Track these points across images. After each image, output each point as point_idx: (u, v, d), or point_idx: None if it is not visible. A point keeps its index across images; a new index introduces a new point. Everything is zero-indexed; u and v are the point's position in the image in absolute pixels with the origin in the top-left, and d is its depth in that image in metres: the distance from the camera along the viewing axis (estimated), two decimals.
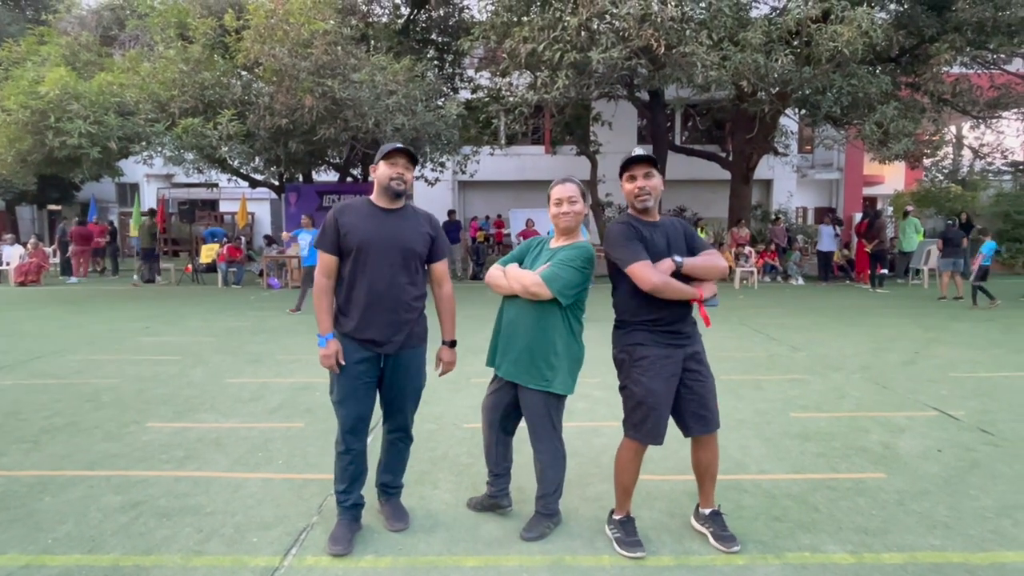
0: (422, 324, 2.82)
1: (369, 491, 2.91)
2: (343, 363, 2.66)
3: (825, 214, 15.45)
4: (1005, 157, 17.32)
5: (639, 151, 2.63)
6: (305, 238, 9.81)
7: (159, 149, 11.99)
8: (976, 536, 2.80)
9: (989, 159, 16.99)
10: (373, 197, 2.76)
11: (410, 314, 2.73)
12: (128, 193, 23.89)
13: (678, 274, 2.53)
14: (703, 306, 2.61)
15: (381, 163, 2.70)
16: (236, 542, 2.74)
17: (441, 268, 2.87)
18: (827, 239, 14.62)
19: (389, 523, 2.85)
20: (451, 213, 16.34)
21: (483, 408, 2.95)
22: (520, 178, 21.79)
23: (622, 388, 2.66)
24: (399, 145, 2.70)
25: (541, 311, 2.67)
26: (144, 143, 11.44)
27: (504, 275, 2.78)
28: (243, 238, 18.61)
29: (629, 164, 2.62)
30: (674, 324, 2.58)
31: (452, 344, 2.91)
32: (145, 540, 2.75)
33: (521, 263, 2.84)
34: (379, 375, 2.74)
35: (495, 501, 2.98)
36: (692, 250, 2.64)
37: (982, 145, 16.70)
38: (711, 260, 2.60)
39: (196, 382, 5.50)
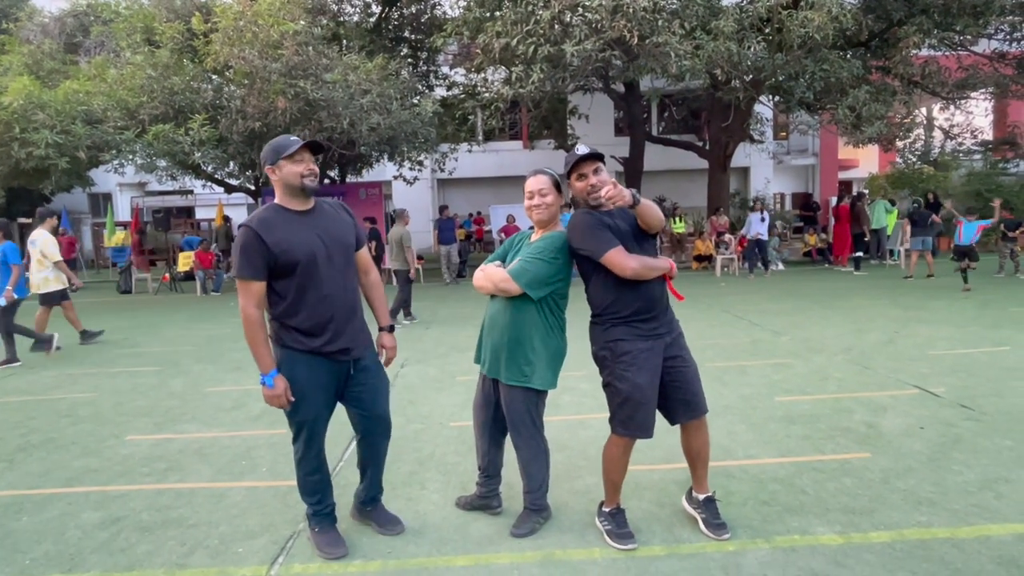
0: (366, 322, 2.72)
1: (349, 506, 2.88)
2: (293, 399, 2.48)
3: (755, 200, 14.78)
4: (975, 137, 17.65)
5: (583, 149, 2.56)
6: None
7: (130, 157, 11.76)
8: (961, 511, 2.83)
9: (959, 139, 17.30)
10: (282, 201, 2.51)
11: (361, 312, 2.65)
12: (101, 203, 23.47)
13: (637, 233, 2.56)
14: (671, 281, 2.65)
15: (283, 162, 2.43)
16: (221, 553, 2.69)
17: (365, 255, 2.74)
18: (756, 225, 13.27)
19: (385, 529, 2.78)
20: (443, 209, 14.60)
21: (473, 408, 2.92)
22: (499, 174, 21.76)
23: (606, 385, 2.63)
24: (298, 140, 2.46)
25: (517, 307, 2.65)
26: (114, 151, 11.21)
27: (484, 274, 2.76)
28: (215, 245, 18.35)
29: (576, 164, 2.57)
30: (651, 312, 2.56)
31: (391, 329, 2.81)
32: (127, 556, 2.69)
33: (504, 260, 2.82)
34: (343, 384, 2.61)
35: (485, 502, 2.96)
36: None
37: (952, 126, 17.00)
38: (656, 206, 2.56)
39: (176, 392, 5.40)
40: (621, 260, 2.47)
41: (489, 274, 2.69)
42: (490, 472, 2.93)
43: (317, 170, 2.54)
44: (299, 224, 2.48)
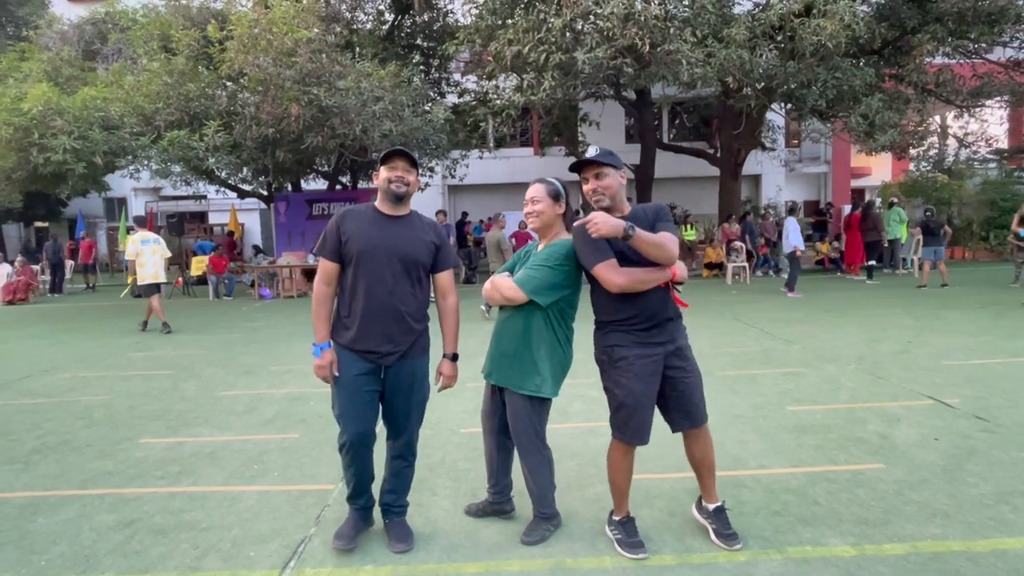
0: (425, 336, 2.76)
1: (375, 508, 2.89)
2: (337, 374, 2.62)
3: (787, 205, 13.83)
4: (989, 145, 17.53)
5: (591, 152, 2.56)
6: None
7: (145, 162, 11.90)
8: (976, 523, 2.80)
9: (974, 148, 17.18)
10: (378, 203, 2.70)
11: (412, 325, 2.66)
12: (116, 208, 23.72)
13: (630, 256, 2.47)
14: (674, 289, 2.58)
15: (382, 168, 2.64)
16: (233, 557, 2.71)
17: (446, 279, 2.79)
18: (795, 234, 11.24)
19: (392, 544, 2.75)
20: (438, 215, 13.41)
21: (482, 417, 2.93)
22: (510, 180, 21.78)
23: (605, 389, 2.64)
24: (398, 147, 2.65)
25: (525, 316, 2.66)
26: (130, 157, 11.35)
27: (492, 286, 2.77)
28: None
29: (578, 168, 2.59)
30: (651, 321, 2.53)
31: (454, 358, 2.82)
32: (140, 558, 2.71)
33: (513, 272, 2.83)
34: (381, 388, 2.68)
35: (498, 507, 2.96)
36: (654, 231, 2.53)
37: (967, 134, 16.89)
38: (662, 238, 2.42)
39: (189, 396, 5.44)
40: (608, 275, 2.46)
41: (497, 284, 2.71)
42: (500, 478, 2.94)
43: (409, 179, 2.64)
44: (376, 224, 2.64)
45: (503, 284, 2.67)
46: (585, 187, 2.60)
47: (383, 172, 2.63)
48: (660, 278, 2.50)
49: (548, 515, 2.80)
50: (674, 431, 2.69)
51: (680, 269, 2.55)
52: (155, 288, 9.01)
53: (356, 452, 2.68)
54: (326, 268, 2.64)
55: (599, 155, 2.55)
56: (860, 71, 12.16)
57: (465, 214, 20.01)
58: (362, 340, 2.60)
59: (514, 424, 2.73)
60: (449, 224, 16.09)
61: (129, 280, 9.16)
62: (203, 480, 3.56)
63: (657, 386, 2.57)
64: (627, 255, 2.50)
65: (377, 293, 2.60)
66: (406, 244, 2.64)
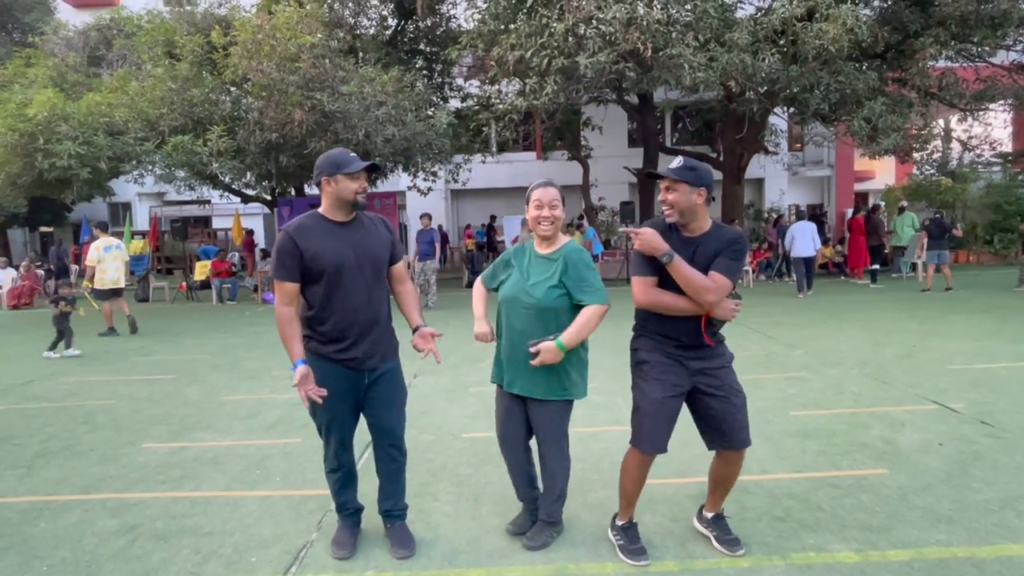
0: (394, 334, 2.77)
1: (376, 516, 2.89)
2: (324, 392, 2.51)
3: (797, 209, 14.03)
4: (993, 148, 17.45)
5: (676, 163, 2.47)
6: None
7: (149, 167, 11.94)
8: (981, 530, 2.78)
9: (978, 151, 17.12)
10: (325, 211, 2.60)
11: (386, 326, 2.70)
12: (120, 212, 23.81)
13: (669, 281, 2.44)
14: (704, 327, 2.48)
15: (341, 177, 2.51)
16: (235, 562, 2.71)
17: (401, 268, 2.80)
18: (807, 241, 11.49)
19: (394, 550, 2.74)
20: (423, 218, 12.25)
21: (502, 437, 2.81)
22: (512, 185, 21.80)
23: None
24: (358, 159, 2.56)
25: (551, 321, 2.58)
26: (134, 162, 11.39)
27: (480, 295, 2.82)
28: (237, 253, 18.56)
29: (659, 176, 2.51)
30: (677, 342, 2.51)
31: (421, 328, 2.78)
32: (142, 564, 2.71)
33: (502, 270, 2.79)
34: (362, 393, 2.65)
35: (534, 516, 2.85)
36: (713, 262, 2.46)
37: (970, 137, 16.83)
38: (697, 280, 2.38)
39: (191, 400, 5.45)
40: (636, 289, 2.50)
41: (583, 328, 2.55)
42: (533, 489, 2.85)
43: (368, 188, 2.64)
44: (334, 234, 2.57)
45: (593, 321, 2.55)
46: (661, 196, 2.55)
47: (347, 182, 2.52)
48: (690, 310, 2.44)
49: (553, 521, 2.79)
50: (709, 448, 2.65)
51: (720, 310, 2.43)
52: (115, 293, 9.19)
53: (343, 454, 2.72)
54: (287, 289, 2.53)
55: (671, 171, 2.45)
56: (863, 75, 12.15)
57: (493, 217, 19.99)
58: (346, 351, 2.58)
59: (547, 429, 2.68)
60: (435, 228, 15.88)
61: (85, 284, 9.14)
62: (205, 485, 3.57)
63: (679, 399, 2.53)
64: (669, 278, 2.44)
65: (357, 305, 2.57)
66: (371, 247, 2.63)
